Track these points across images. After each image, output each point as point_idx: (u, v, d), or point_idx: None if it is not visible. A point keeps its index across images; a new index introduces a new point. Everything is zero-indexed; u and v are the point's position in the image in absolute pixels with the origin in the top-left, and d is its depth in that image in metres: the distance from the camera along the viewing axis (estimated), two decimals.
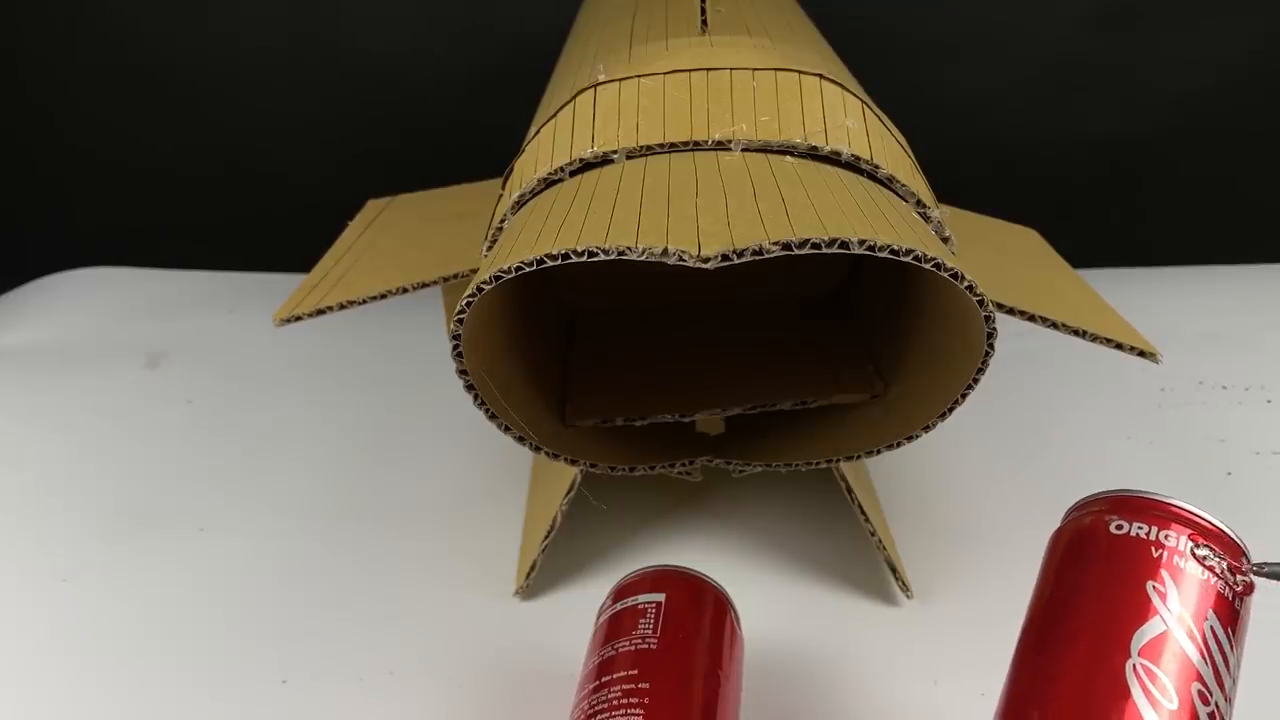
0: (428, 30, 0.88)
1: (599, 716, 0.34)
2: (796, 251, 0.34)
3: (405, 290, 0.47)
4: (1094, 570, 0.32)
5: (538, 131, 0.45)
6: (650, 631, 0.37)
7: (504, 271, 0.35)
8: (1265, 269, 0.83)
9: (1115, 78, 0.87)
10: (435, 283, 0.48)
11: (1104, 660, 0.29)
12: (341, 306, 0.47)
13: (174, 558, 0.53)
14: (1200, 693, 0.29)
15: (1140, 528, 0.31)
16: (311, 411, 0.66)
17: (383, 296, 0.47)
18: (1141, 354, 0.46)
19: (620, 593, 0.40)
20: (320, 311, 0.47)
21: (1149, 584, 0.30)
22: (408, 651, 0.46)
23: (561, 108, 0.45)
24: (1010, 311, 0.45)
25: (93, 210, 0.97)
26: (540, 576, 0.49)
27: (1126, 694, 0.28)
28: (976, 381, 0.40)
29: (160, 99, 0.91)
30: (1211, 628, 0.30)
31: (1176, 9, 0.85)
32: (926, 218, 0.41)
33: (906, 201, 0.41)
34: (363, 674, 0.45)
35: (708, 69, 0.44)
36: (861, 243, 0.34)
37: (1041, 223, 0.62)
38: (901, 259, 0.34)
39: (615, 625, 0.38)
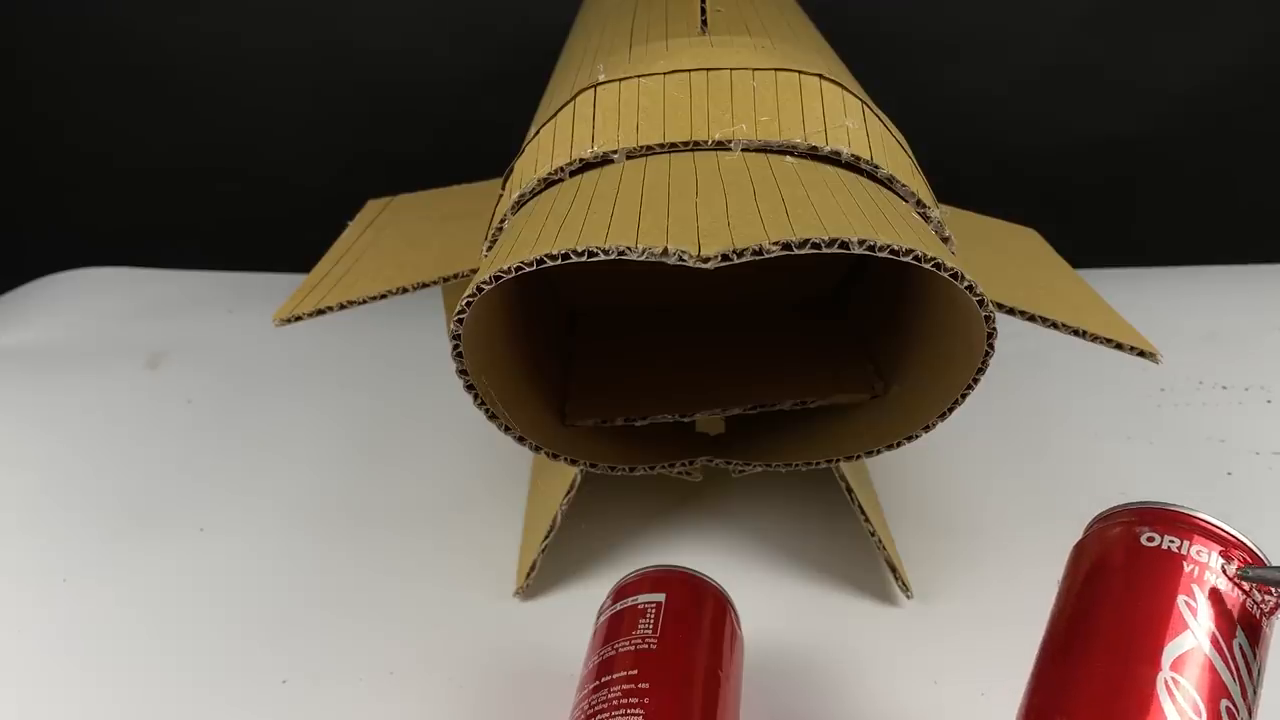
0: (428, 30, 0.88)
1: (599, 716, 0.34)
2: (796, 251, 0.34)
3: (405, 290, 0.47)
4: (1124, 581, 0.31)
5: (538, 132, 0.45)
6: (650, 631, 0.37)
7: (504, 272, 0.35)
8: (1265, 269, 0.83)
9: (1115, 78, 0.87)
10: (435, 283, 0.48)
11: (1133, 671, 0.29)
12: (341, 306, 0.47)
13: (174, 558, 0.53)
14: (1229, 709, 0.29)
15: (1172, 541, 0.31)
16: (311, 411, 0.66)
17: (383, 296, 0.47)
18: (1141, 354, 0.46)
19: (620, 593, 0.40)
20: (320, 311, 0.47)
21: (1181, 598, 0.30)
22: (408, 651, 0.46)
23: (561, 108, 0.45)
24: (1010, 311, 0.45)
25: (93, 210, 0.97)
26: (540, 576, 0.49)
27: (1156, 707, 0.28)
28: (976, 381, 0.40)
29: (160, 99, 0.91)
30: (1240, 645, 0.30)
31: (1177, 9, 0.85)
32: (926, 218, 0.41)
33: (906, 201, 0.41)
34: (363, 674, 0.45)
35: (708, 69, 0.44)
36: (861, 243, 0.34)
37: (1041, 223, 0.62)
38: (901, 259, 0.34)
39: (615, 625, 0.38)
